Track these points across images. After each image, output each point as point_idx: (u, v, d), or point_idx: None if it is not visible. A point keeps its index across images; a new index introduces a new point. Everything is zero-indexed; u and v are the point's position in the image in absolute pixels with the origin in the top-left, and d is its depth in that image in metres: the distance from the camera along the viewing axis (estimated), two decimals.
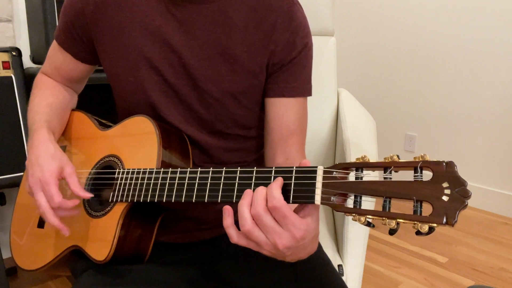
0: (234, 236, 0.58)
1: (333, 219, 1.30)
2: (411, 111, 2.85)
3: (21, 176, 0.97)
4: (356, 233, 1.12)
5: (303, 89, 0.83)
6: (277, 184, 0.57)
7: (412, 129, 2.86)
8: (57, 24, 1.41)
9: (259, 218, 0.56)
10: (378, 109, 2.98)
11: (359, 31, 3.03)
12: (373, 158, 1.17)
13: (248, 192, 0.58)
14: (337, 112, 1.41)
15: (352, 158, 1.16)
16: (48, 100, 0.87)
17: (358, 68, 3.08)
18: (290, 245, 0.56)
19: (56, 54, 0.89)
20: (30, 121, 0.83)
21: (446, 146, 2.71)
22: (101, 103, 1.10)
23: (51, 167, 0.73)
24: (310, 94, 0.85)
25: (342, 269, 1.10)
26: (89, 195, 0.73)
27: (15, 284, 1.70)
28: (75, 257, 0.81)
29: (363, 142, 1.22)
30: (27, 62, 1.56)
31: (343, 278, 1.01)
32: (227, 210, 0.58)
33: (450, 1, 2.56)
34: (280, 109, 0.83)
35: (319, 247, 0.87)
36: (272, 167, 0.60)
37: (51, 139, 0.78)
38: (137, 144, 0.77)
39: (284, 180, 0.58)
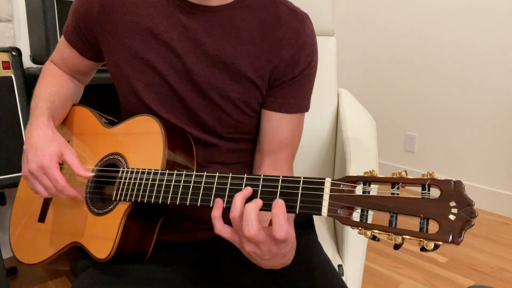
0: (218, 226, 0.61)
1: (333, 220, 1.30)
2: (411, 111, 2.85)
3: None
4: (356, 233, 1.12)
5: (300, 105, 0.84)
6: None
7: (412, 129, 2.86)
8: (57, 24, 1.41)
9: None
10: (378, 109, 2.98)
11: (359, 31, 3.03)
12: (373, 158, 1.17)
13: (248, 189, 0.61)
14: (337, 112, 1.41)
15: (352, 158, 1.16)
16: (53, 89, 0.88)
17: (358, 68, 3.08)
18: (271, 248, 0.58)
19: (63, 47, 0.91)
20: (33, 106, 0.85)
21: (446, 146, 2.71)
22: (104, 102, 1.10)
23: (50, 150, 0.75)
24: (307, 110, 0.86)
25: (342, 269, 1.10)
26: (91, 174, 0.75)
27: (15, 284, 1.70)
28: (76, 253, 0.81)
29: (363, 142, 1.22)
30: (27, 62, 1.56)
31: (343, 278, 1.01)
32: (218, 202, 0.61)
33: (450, 1, 2.56)
34: (274, 123, 0.83)
35: (319, 247, 0.87)
36: (279, 176, 0.61)
37: (49, 125, 0.80)
38: (142, 144, 0.77)
39: (291, 190, 0.59)
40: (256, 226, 0.56)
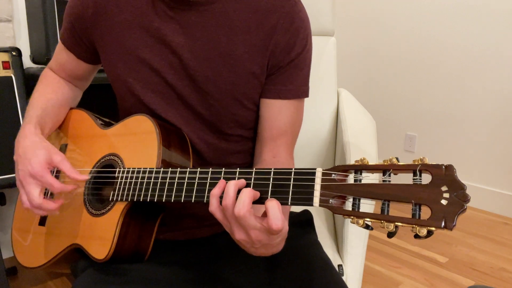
0: (213, 204, 0.61)
1: (333, 219, 1.30)
2: (411, 111, 2.85)
3: None
4: (356, 233, 1.12)
5: (299, 91, 0.83)
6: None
7: (412, 129, 2.86)
8: (57, 24, 1.42)
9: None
10: (378, 109, 2.98)
11: (359, 31, 3.04)
12: (373, 158, 1.17)
13: (242, 180, 0.61)
14: (337, 112, 1.41)
15: (352, 158, 1.16)
16: (47, 96, 0.89)
17: (358, 68, 3.08)
18: (262, 238, 0.58)
19: (61, 52, 0.91)
20: (25, 114, 0.86)
21: (446, 146, 2.71)
22: (102, 103, 1.10)
23: (39, 158, 0.75)
24: (306, 96, 0.85)
25: (342, 269, 1.10)
26: (85, 177, 0.76)
27: (15, 284, 1.70)
28: (76, 255, 0.81)
29: (363, 143, 1.22)
30: (27, 62, 1.56)
31: (343, 278, 1.01)
32: (222, 182, 0.62)
33: (450, 1, 2.56)
34: (274, 110, 0.83)
35: (319, 247, 0.87)
36: (271, 169, 0.61)
37: (37, 133, 0.79)
38: (137, 143, 0.77)
39: (283, 182, 0.59)
40: (247, 206, 0.57)
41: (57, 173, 0.86)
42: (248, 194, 0.58)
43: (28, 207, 0.74)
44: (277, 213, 0.56)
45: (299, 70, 0.82)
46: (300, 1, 0.82)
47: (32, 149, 0.76)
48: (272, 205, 0.56)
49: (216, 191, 0.61)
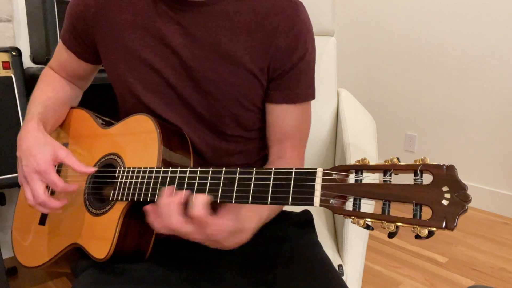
0: (150, 219, 0.66)
1: (333, 219, 1.30)
2: (411, 111, 2.85)
3: None
4: (356, 233, 1.12)
5: (305, 94, 0.83)
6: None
7: (412, 129, 2.86)
8: (57, 24, 1.41)
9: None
10: (378, 109, 2.98)
11: (359, 31, 3.03)
12: (373, 158, 1.17)
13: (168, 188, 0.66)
14: (337, 112, 1.41)
15: (352, 158, 1.16)
16: (48, 94, 0.89)
17: (358, 68, 3.08)
18: (201, 239, 0.62)
19: (61, 51, 0.91)
20: (27, 111, 0.85)
21: (446, 146, 2.71)
22: (102, 102, 1.10)
23: (44, 155, 0.74)
24: (313, 98, 0.85)
25: (342, 269, 1.10)
26: (93, 169, 0.76)
27: (15, 284, 1.70)
28: (76, 254, 0.81)
29: (363, 143, 1.22)
30: (27, 62, 1.56)
31: (343, 278, 1.01)
32: (149, 210, 0.66)
33: (450, 1, 2.56)
34: (280, 115, 0.83)
35: (319, 247, 0.87)
36: (271, 169, 0.61)
37: (40, 129, 0.79)
38: (138, 143, 0.77)
39: (283, 182, 0.59)
40: (202, 210, 0.61)
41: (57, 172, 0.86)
42: (174, 206, 0.63)
43: (33, 204, 0.74)
44: (197, 203, 0.60)
45: (303, 74, 0.82)
46: (302, 3, 0.82)
47: (37, 145, 0.76)
48: (196, 196, 0.61)
49: (151, 218, 0.66)
